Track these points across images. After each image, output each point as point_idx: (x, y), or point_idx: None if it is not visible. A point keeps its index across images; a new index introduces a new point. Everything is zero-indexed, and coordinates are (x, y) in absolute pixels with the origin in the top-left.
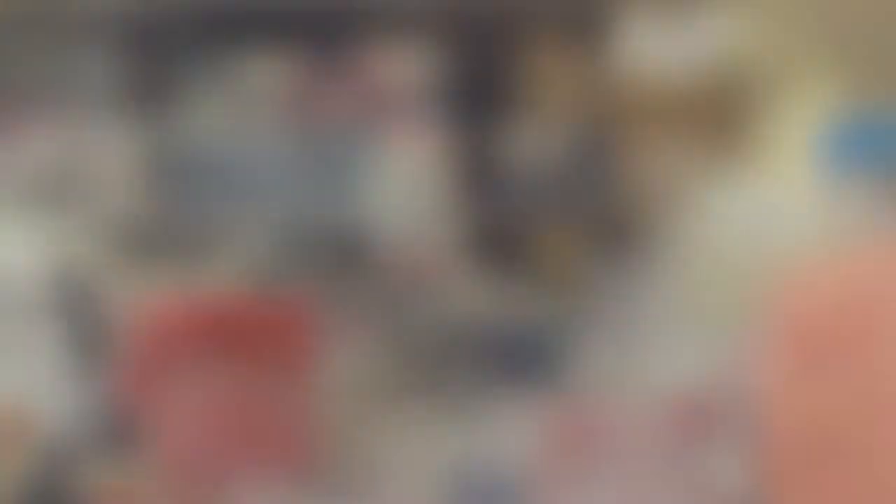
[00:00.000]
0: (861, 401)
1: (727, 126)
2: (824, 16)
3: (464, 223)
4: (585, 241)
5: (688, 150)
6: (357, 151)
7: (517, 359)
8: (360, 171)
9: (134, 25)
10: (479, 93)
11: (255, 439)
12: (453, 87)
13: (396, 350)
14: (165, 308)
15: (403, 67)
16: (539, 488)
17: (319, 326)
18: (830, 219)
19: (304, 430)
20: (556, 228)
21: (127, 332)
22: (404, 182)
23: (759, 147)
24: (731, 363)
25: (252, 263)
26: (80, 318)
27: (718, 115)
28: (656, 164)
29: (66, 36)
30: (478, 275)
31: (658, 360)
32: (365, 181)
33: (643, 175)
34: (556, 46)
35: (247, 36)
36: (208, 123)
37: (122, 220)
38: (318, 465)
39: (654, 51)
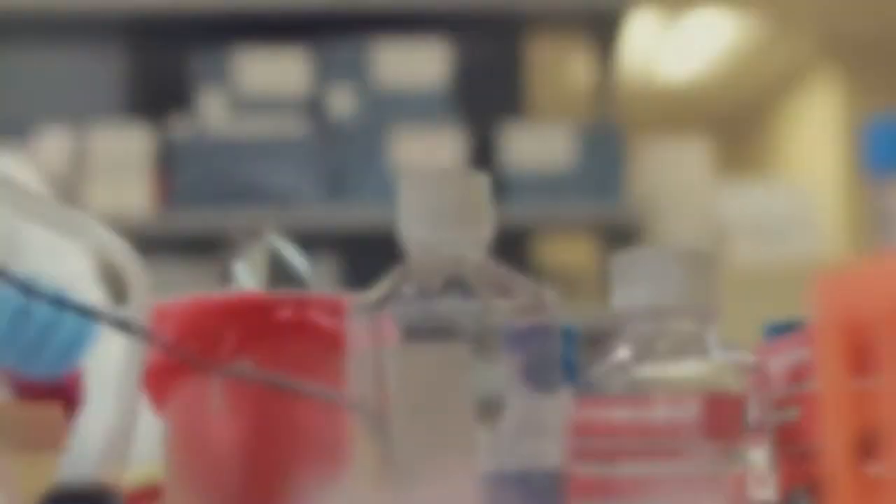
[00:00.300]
0: None
1: (738, 125)
2: (833, 18)
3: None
4: (595, 241)
5: (698, 149)
6: (368, 150)
7: (538, 359)
8: (373, 170)
9: (145, 25)
10: (486, 92)
11: (286, 441)
12: (461, 87)
13: (424, 350)
14: (186, 308)
15: (412, 66)
16: (568, 487)
17: (343, 327)
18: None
19: (337, 432)
20: (565, 228)
21: (151, 333)
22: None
23: (772, 147)
24: (759, 361)
25: (268, 264)
26: (119, 318)
27: (729, 114)
28: (664, 163)
29: (75, 37)
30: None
31: (682, 358)
32: (378, 179)
33: (651, 175)
34: (561, 46)
35: (257, 35)
36: (219, 123)
37: (134, 220)
38: (354, 464)
39: (661, 51)
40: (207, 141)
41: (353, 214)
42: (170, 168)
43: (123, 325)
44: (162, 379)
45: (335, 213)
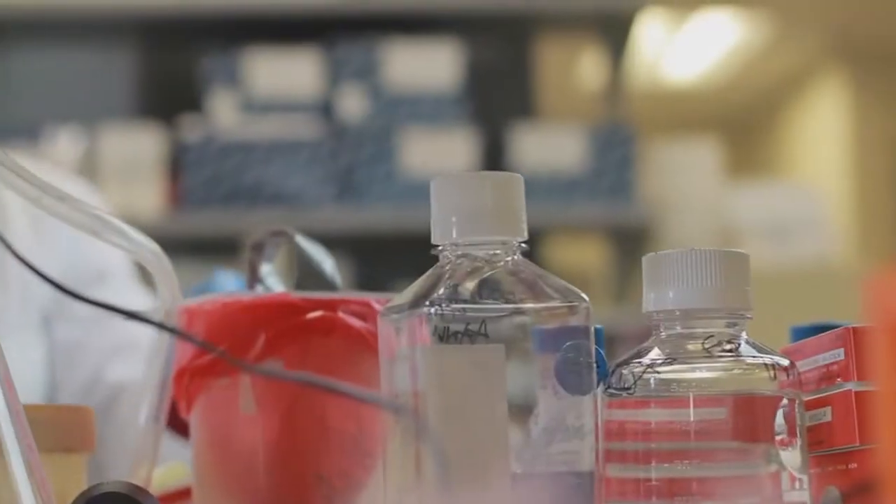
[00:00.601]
0: None
1: (745, 127)
2: (840, 19)
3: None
4: (605, 242)
5: (708, 150)
6: (379, 152)
7: (571, 360)
8: (384, 171)
9: (156, 27)
10: (497, 93)
11: (315, 441)
12: (472, 88)
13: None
14: (216, 309)
15: (423, 68)
16: (601, 489)
17: (373, 328)
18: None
19: (367, 433)
20: (575, 229)
21: (186, 333)
22: (425, 179)
23: (779, 147)
24: (791, 362)
25: (297, 265)
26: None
27: (735, 115)
28: (674, 165)
29: (87, 39)
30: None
31: (713, 360)
32: (388, 181)
33: (661, 176)
34: (572, 47)
35: (268, 37)
36: (230, 125)
37: (145, 222)
38: (389, 465)
39: (668, 53)
40: (218, 143)
41: (363, 216)
42: (181, 170)
43: (159, 326)
44: (191, 381)
45: (346, 214)
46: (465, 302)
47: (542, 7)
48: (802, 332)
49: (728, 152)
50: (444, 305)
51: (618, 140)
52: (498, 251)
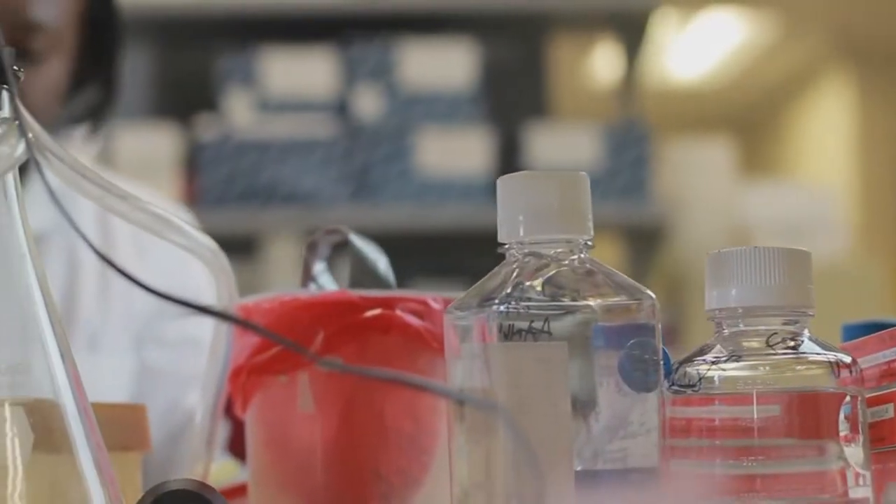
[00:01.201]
0: None
1: (750, 126)
2: (845, 18)
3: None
4: (620, 240)
5: (721, 149)
6: (394, 151)
7: (636, 358)
8: (399, 171)
9: (172, 27)
10: (511, 93)
11: (373, 438)
12: (487, 88)
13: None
14: (274, 307)
15: (438, 67)
16: (665, 486)
17: (429, 326)
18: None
19: (424, 429)
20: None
21: (254, 325)
22: (442, 179)
23: (784, 146)
24: (853, 360)
25: (351, 263)
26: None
27: (741, 114)
28: (687, 164)
29: None
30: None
31: (775, 357)
32: (404, 180)
33: (674, 175)
34: (586, 46)
35: (284, 36)
36: (246, 124)
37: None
38: (457, 461)
39: (675, 51)
40: (234, 142)
41: (378, 215)
42: (197, 169)
43: (223, 317)
44: (248, 379)
45: (361, 213)
46: (531, 300)
47: (556, 6)
48: (854, 330)
49: (734, 150)
50: (510, 303)
51: (632, 139)
52: (563, 249)
